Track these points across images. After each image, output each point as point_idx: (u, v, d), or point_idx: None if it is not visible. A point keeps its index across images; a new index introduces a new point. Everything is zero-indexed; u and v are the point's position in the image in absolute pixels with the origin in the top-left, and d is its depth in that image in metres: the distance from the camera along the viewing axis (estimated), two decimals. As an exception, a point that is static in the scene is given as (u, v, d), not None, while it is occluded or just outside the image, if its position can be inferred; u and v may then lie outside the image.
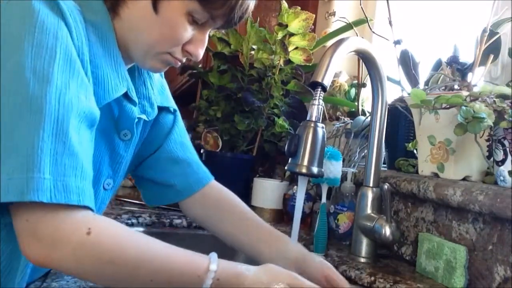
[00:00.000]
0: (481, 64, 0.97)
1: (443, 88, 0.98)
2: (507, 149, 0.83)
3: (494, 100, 0.82)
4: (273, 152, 1.55)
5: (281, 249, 0.82)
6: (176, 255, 0.59)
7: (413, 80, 1.11)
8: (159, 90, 0.85)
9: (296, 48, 1.44)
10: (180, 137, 0.91)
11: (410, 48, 1.13)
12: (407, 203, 1.02)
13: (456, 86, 0.97)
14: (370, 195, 0.97)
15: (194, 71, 1.68)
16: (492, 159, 0.86)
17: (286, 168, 0.80)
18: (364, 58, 0.94)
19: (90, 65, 0.64)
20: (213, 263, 0.58)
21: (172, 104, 0.88)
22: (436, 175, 0.94)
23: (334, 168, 1.03)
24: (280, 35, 1.41)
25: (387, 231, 0.91)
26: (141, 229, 1.24)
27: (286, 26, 1.38)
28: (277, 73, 1.47)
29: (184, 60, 0.74)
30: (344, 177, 1.12)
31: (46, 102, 0.55)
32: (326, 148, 0.95)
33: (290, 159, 0.79)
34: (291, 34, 1.41)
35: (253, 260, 1.18)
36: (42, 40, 0.57)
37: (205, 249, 1.25)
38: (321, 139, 0.78)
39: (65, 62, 0.58)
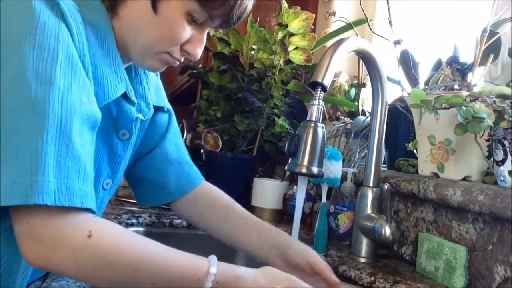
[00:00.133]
0: (481, 64, 0.97)
1: (443, 88, 0.98)
2: (507, 149, 0.83)
3: (494, 100, 0.82)
4: (273, 152, 1.55)
5: (264, 237, 0.84)
6: (176, 258, 0.59)
7: (413, 80, 1.11)
8: (155, 89, 0.85)
9: (296, 48, 1.44)
10: (175, 138, 0.92)
11: (410, 48, 1.13)
12: (407, 203, 1.02)
13: (456, 86, 0.97)
14: (370, 195, 0.97)
15: (194, 71, 1.68)
16: (492, 159, 0.86)
17: (286, 168, 0.80)
18: (364, 58, 0.94)
19: (91, 66, 0.64)
20: (213, 266, 0.58)
21: (167, 104, 0.89)
22: (436, 175, 0.94)
23: (334, 168, 1.03)
24: (280, 35, 1.41)
25: (387, 231, 0.91)
26: (141, 229, 1.24)
27: (286, 26, 1.38)
28: (277, 73, 1.47)
29: (182, 59, 0.74)
30: (344, 177, 1.12)
31: (49, 104, 0.54)
32: (326, 148, 0.95)
33: (290, 159, 0.80)
34: (291, 34, 1.41)
35: (252, 262, 1.18)
36: (44, 42, 0.57)
37: (205, 249, 1.25)
38: (321, 139, 0.79)
39: (67, 64, 0.58)
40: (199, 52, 0.73)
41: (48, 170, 0.53)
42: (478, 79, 0.98)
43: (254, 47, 1.50)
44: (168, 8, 0.67)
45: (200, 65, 1.85)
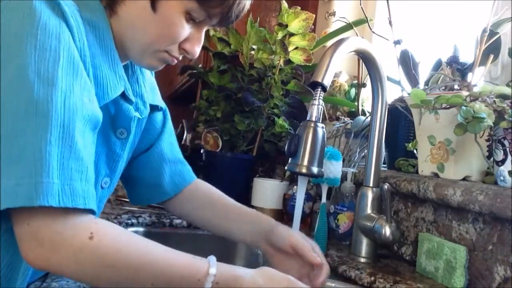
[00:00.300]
0: (481, 64, 0.97)
1: (443, 88, 0.98)
2: (507, 149, 0.83)
3: (494, 100, 0.82)
4: (273, 152, 1.55)
5: (252, 225, 0.86)
6: (176, 259, 0.59)
7: (413, 80, 1.11)
8: (150, 88, 0.85)
9: (296, 48, 1.44)
10: (170, 136, 0.93)
11: (410, 48, 1.13)
12: (407, 203, 1.02)
13: (456, 86, 0.97)
14: (370, 195, 0.97)
15: (194, 71, 1.68)
16: (492, 159, 0.86)
17: (286, 168, 0.80)
18: (364, 58, 0.94)
19: (91, 65, 0.65)
20: (212, 267, 0.59)
21: (162, 102, 0.89)
22: (436, 175, 0.94)
23: (334, 168, 1.03)
24: (280, 35, 1.41)
25: (387, 231, 0.91)
26: (141, 229, 1.24)
27: (286, 26, 1.38)
28: (277, 73, 1.47)
29: (180, 57, 0.74)
30: (344, 177, 1.12)
31: (52, 105, 0.54)
32: (326, 148, 0.95)
33: (290, 159, 0.79)
34: (291, 34, 1.41)
35: (252, 263, 1.18)
36: (45, 42, 0.57)
37: (205, 249, 1.25)
38: (321, 139, 0.78)
39: (68, 65, 0.58)
40: (197, 50, 0.73)
41: (52, 172, 0.53)
42: (478, 79, 0.98)
43: (254, 47, 1.50)
44: (167, 7, 0.67)
45: (200, 65, 1.85)
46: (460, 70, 1.00)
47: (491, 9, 0.94)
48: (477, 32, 0.96)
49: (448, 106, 0.86)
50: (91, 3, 0.68)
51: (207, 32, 1.40)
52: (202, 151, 1.57)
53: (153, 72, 0.88)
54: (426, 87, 1.05)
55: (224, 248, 1.26)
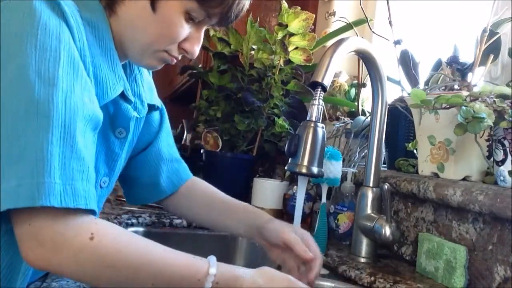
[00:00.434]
0: (481, 64, 0.97)
1: (443, 88, 0.98)
2: (507, 149, 0.83)
3: (494, 100, 0.82)
4: (273, 152, 1.55)
5: (246, 220, 0.87)
6: (176, 259, 0.59)
7: (413, 80, 1.11)
8: (148, 87, 0.85)
9: (296, 48, 1.44)
10: (167, 136, 0.93)
11: (410, 48, 1.13)
12: (407, 203, 1.02)
13: (456, 86, 0.97)
14: (370, 195, 0.97)
15: (194, 71, 1.68)
16: (492, 159, 0.86)
17: (286, 168, 0.81)
18: (364, 58, 0.94)
19: (91, 65, 0.65)
20: (212, 267, 0.59)
21: (159, 101, 0.89)
22: (436, 175, 0.94)
23: (334, 168, 1.03)
24: (280, 35, 1.41)
25: (387, 231, 0.91)
26: (141, 229, 1.24)
27: (286, 26, 1.38)
28: (277, 73, 1.47)
29: (180, 57, 0.74)
30: (344, 177, 1.12)
31: (53, 105, 0.54)
32: (326, 148, 0.95)
33: (290, 159, 0.79)
34: (291, 34, 1.41)
35: (251, 263, 1.19)
36: (46, 42, 0.56)
37: (205, 249, 1.25)
38: (321, 139, 0.78)
39: (69, 65, 0.58)
40: (196, 50, 0.73)
41: (54, 172, 0.53)
42: (478, 79, 0.98)
43: (254, 47, 1.50)
44: (167, 7, 0.67)
45: (200, 65, 1.85)
46: (460, 70, 1.00)
47: (491, 9, 0.94)
48: (477, 32, 0.96)
49: (448, 106, 0.86)
50: (90, 3, 0.68)
51: (207, 32, 1.40)
52: (202, 151, 1.57)
53: (151, 72, 0.88)
54: (426, 87, 1.05)
55: (224, 248, 1.26)
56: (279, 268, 0.79)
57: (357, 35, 1.34)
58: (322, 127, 0.79)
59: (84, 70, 0.61)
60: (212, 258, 0.61)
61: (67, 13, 0.60)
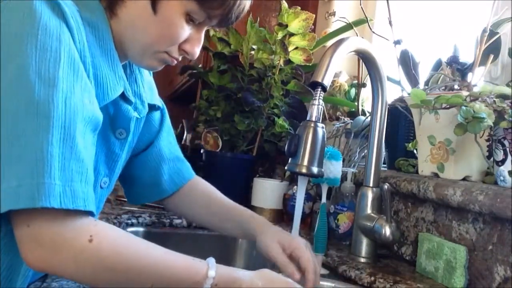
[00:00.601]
0: (481, 64, 0.97)
1: (443, 88, 0.98)
2: (507, 149, 0.83)
3: (494, 100, 0.82)
4: (273, 152, 1.55)
5: (242, 226, 0.87)
6: (176, 261, 0.59)
7: (413, 80, 1.11)
8: (148, 87, 0.85)
9: (296, 48, 1.44)
10: (168, 135, 0.93)
11: (410, 48, 1.13)
12: (407, 203, 1.02)
13: (456, 86, 0.97)
14: (370, 195, 0.97)
15: (194, 71, 1.68)
16: (492, 159, 0.86)
17: (286, 168, 0.80)
18: (364, 58, 0.94)
19: (91, 66, 0.64)
20: (211, 269, 0.59)
21: (159, 101, 0.89)
22: (436, 175, 0.94)
23: (334, 168, 1.03)
24: (280, 35, 1.41)
25: (387, 231, 0.91)
26: (141, 229, 1.24)
27: (286, 26, 1.38)
28: (277, 73, 1.47)
29: (180, 58, 0.74)
30: (344, 177, 1.12)
31: (53, 106, 0.54)
32: (326, 148, 0.95)
33: (290, 159, 0.79)
34: (291, 34, 1.41)
35: (251, 263, 1.18)
36: (46, 43, 0.56)
37: (205, 249, 1.25)
38: (321, 139, 0.78)
39: (69, 66, 0.58)
40: (197, 51, 0.73)
41: (53, 172, 0.52)
42: (478, 79, 0.98)
43: (254, 47, 1.50)
44: (168, 8, 0.67)
45: (200, 65, 1.85)
46: (460, 70, 1.00)
47: (491, 9, 0.94)
48: (477, 32, 0.96)
49: (448, 106, 0.86)
50: (90, 3, 0.68)
51: (207, 32, 1.40)
52: (202, 151, 1.57)
53: (151, 72, 0.88)
54: (426, 87, 1.05)
55: (224, 248, 1.26)
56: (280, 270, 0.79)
57: (357, 35, 1.34)
58: (322, 127, 0.79)
59: (84, 71, 0.61)
60: (211, 260, 0.61)
61: (67, 13, 0.60)
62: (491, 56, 0.95)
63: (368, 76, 0.98)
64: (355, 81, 1.54)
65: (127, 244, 0.58)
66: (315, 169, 0.78)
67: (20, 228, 0.54)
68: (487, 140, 0.88)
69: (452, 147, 0.89)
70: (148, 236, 1.23)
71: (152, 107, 0.86)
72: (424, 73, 1.12)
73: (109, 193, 0.82)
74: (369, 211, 0.96)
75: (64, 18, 0.60)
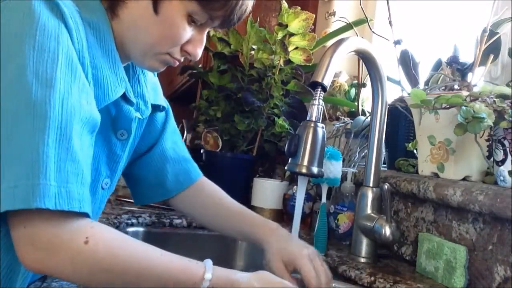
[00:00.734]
0: (481, 64, 0.97)
1: (443, 88, 0.98)
2: (507, 149, 0.83)
3: (494, 100, 0.82)
4: (273, 152, 1.55)
5: (248, 230, 0.87)
6: (172, 263, 0.59)
7: (413, 80, 1.11)
8: (152, 87, 0.85)
9: (296, 48, 1.44)
10: (172, 135, 0.93)
11: (410, 48, 1.13)
12: (407, 203, 1.02)
13: (456, 86, 0.97)
14: (370, 195, 0.97)
15: (194, 71, 1.68)
16: (492, 159, 0.86)
17: (286, 168, 0.81)
18: (364, 58, 0.94)
19: (90, 67, 0.64)
20: (208, 271, 0.59)
21: (164, 101, 0.89)
22: (436, 175, 0.94)
23: (334, 168, 1.03)
24: (280, 35, 1.41)
25: (387, 231, 0.91)
26: (141, 229, 1.24)
27: (286, 26, 1.38)
28: (277, 73, 1.47)
29: (182, 59, 0.74)
30: (344, 177, 1.12)
31: (50, 107, 0.54)
32: (326, 148, 0.95)
33: (290, 159, 0.79)
34: (291, 34, 1.41)
35: (251, 263, 1.18)
36: (44, 43, 0.56)
37: (204, 249, 1.24)
38: (321, 139, 0.78)
39: (67, 67, 0.58)
40: (199, 52, 0.73)
41: (49, 173, 0.52)
42: (478, 79, 0.98)
43: (254, 47, 1.50)
44: (169, 9, 0.67)
45: (200, 65, 1.85)
46: (460, 70, 1.00)
47: (491, 9, 0.94)
48: (477, 32, 0.96)
49: (448, 106, 0.86)
50: (91, 3, 0.68)
51: (207, 32, 1.40)
52: (202, 151, 1.57)
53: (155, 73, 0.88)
54: (426, 87, 1.05)
55: (224, 248, 1.26)
56: None
57: (357, 35, 1.34)
58: (322, 127, 0.79)
59: (82, 72, 0.61)
60: (208, 262, 0.61)
61: (66, 14, 0.60)
62: (491, 56, 0.95)
63: (368, 76, 0.98)
64: (355, 81, 1.54)
65: (123, 245, 0.58)
66: (315, 169, 0.78)
67: (17, 229, 0.54)
68: (487, 140, 0.88)
69: (452, 147, 0.89)
70: (148, 236, 1.23)
71: (156, 108, 0.85)
72: (424, 73, 1.12)
73: (111, 193, 0.82)
74: (369, 211, 0.96)
75: (63, 19, 0.60)
